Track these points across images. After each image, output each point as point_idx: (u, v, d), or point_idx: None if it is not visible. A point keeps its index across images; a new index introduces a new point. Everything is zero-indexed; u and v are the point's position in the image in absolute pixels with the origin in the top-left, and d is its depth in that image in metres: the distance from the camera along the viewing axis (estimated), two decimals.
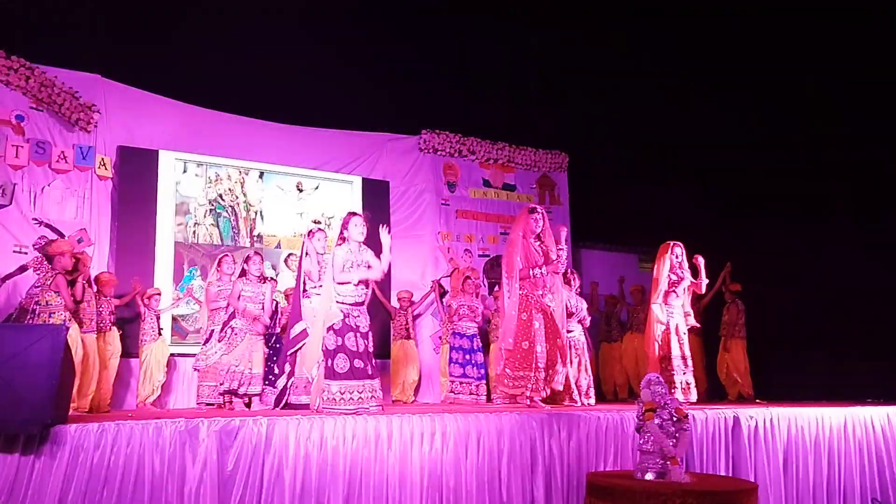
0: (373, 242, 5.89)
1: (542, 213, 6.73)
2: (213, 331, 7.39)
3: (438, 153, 10.89)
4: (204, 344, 7.45)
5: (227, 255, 7.95)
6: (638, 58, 10.45)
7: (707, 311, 9.27)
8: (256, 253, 7.59)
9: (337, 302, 5.60)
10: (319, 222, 9.81)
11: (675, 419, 4.30)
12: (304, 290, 6.64)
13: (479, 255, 10.85)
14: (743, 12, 9.65)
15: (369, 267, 5.71)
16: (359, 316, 5.64)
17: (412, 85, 10.15)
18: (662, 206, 11.28)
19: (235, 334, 6.99)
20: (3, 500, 3.68)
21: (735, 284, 9.30)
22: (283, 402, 6.48)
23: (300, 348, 6.29)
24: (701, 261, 7.37)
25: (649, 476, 4.20)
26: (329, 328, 5.55)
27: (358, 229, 5.74)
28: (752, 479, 5.48)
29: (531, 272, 6.45)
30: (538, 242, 6.65)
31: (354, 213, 5.89)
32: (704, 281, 7.39)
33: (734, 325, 9.19)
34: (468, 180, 11.13)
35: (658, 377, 4.47)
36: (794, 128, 10.04)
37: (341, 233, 5.81)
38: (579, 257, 11.65)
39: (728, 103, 10.50)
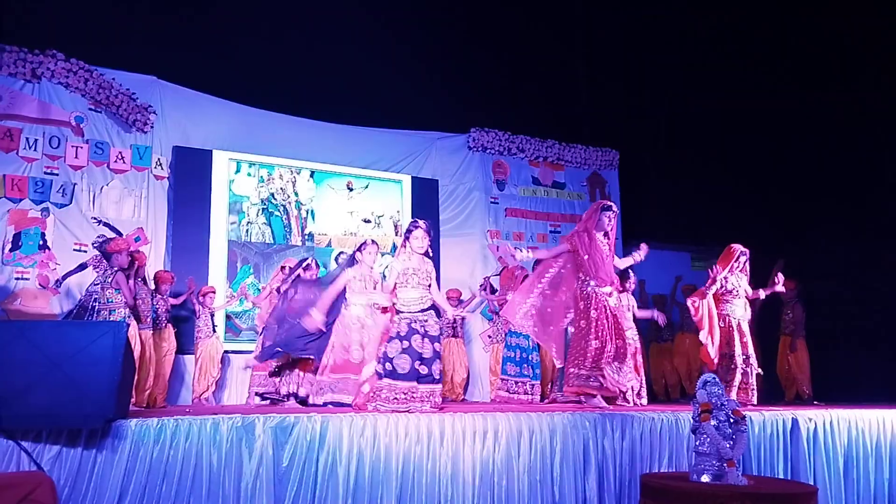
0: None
1: (616, 213, 6.58)
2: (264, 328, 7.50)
3: (487, 151, 10.88)
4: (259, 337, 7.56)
5: (290, 259, 8.01)
6: (690, 52, 10.30)
7: (761, 311, 9.08)
8: (316, 265, 7.62)
9: (399, 312, 5.50)
10: (370, 221, 9.87)
11: (731, 420, 4.22)
12: (345, 299, 6.67)
13: None
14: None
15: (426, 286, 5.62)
16: (427, 321, 5.47)
17: (461, 83, 10.15)
18: (715, 204, 11.11)
19: None
20: (67, 492, 3.76)
21: (790, 282, 9.08)
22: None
23: (333, 359, 6.36)
24: (779, 280, 7.19)
25: (705, 478, 4.12)
26: (395, 336, 5.44)
27: (418, 242, 5.57)
28: (812, 483, 5.37)
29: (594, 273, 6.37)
30: (607, 241, 6.51)
31: (417, 226, 5.65)
32: (762, 296, 7.23)
33: (800, 323, 8.97)
34: (517, 178, 11.11)
35: (714, 377, 4.38)
36: (849, 121, 9.80)
37: (403, 243, 5.68)
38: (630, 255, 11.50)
39: (782, 99, 10.29)
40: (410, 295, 5.49)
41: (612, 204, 6.61)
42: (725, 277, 6.96)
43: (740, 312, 6.99)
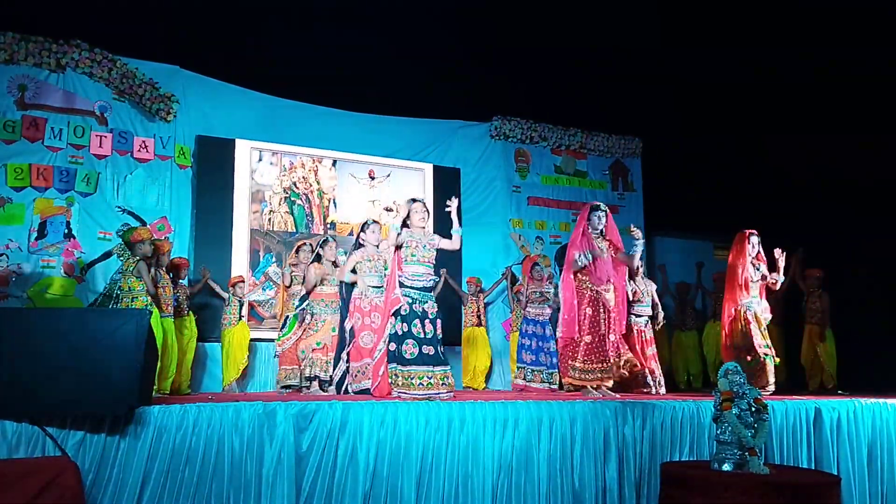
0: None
1: (606, 211, 6.74)
2: (287, 317, 7.52)
3: (510, 140, 10.85)
4: (281, 329, 7.58)
5: (305, 242, 8.04)
6: (715, 40, 10.16)
7: (782, 300, 8.97)
8: (333, 238, 7.63)
9: (402, 286, 5.63)
10: (391, 210, 9.88)
11: (753, 409, 4.20)
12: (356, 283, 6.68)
13: (551, 243, 10.78)
14: None
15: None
16: (426, 302, 5.66)
17: (483, 71, 10.10)
18: (739, 193, 10.99)
19: (315, 319, 7.07)
20: (91, 477, 3.81)
21: (815, 271, 8.98)
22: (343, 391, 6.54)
23: (352, 347, 6.31)
24: (780, 256, 7.10)
25: (727, 467, 4.11)
26: (395, 313, 5.59)
27: (419, 215, 5.79)
28: (835, 473, 5.33)
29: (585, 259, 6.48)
30: (602, 239, 6.65)
31: (415, 200, 5.93)
32: (780, 278, 7.14)
33: (827, 312, 8.87)
34: (540, 166, 11.07)
35: (736, 366, 4.36)
36: (878, 109, 9.63)
37: (404, 220, 5.85)
38: (653, 244, 11.47)
39: (808, 86, 10.14)
40: (415, 270, 5.63)
41: (600, 204, 6.80)
42: (744, 266, 6.95)
43: (755, 304, 6.96)
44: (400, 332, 5.54)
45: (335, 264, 7.32)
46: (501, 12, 9.85)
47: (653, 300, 7.79)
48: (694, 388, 9.65)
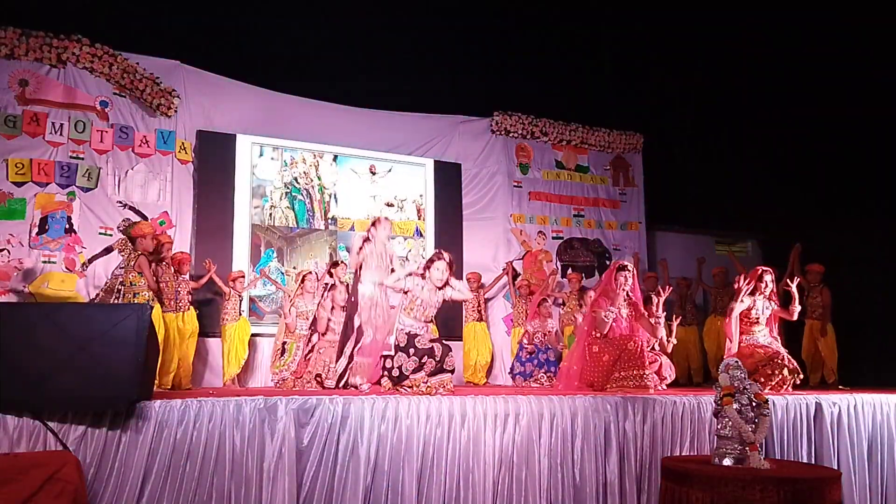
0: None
1: (632, 271, 6.54)
2: (284, 343, 7.48)
3: (511, 135, 10.84)
4: (281, 355, 7.50)
5: (310, 272, 7.97)
6: (716, 36, 10.16)
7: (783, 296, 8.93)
8: (341, 282, 7.41)
9: (399, 326, 5.65)
10: (392, 205, 9.88)
11: (754, 404, 4.20)
12: (360, 278, 6.62)
13: (553, 238, 10.78)
14: None
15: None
16: (421, 335, 5.62)
17: (484, 67, 10.10)
18: (739, 189, 11.00)
19: (320, 353, 6.99)
20: (93, 471, 3.81)
21: (816, 266, 8.95)
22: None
23: (359, 347, 6.25)
24: (795, 289, 6.94)
25: (727, 462, 4.11)
26: (394, 346, 5.58)
27: (438, 273, 5.65)
28: (836, 468, 5.33)
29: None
30: (627, 302, 6.49)
31: (441, 257, 5.73)
32: (797, 308, 6.99)
33: (828, 307, 8.84)
34: (541, 162, 11.06)
35: (737, 361, 4.36)
36: (875, 107, 9.63)
37: (424, 270, 5.74)
38: (654, 240, 11.46)
39: (807, 83, 10.14)
40: (410, 322, 5.59)
41: (627, 264, 6.62)
42: (750, 301, 6.80)
43: (764, 339, 6.80)
44: (401, 359, 5.52)
45: (343, 308, 7.22)
46: (503, 8, 9.86)
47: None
48: (694, 382, 9.65)
